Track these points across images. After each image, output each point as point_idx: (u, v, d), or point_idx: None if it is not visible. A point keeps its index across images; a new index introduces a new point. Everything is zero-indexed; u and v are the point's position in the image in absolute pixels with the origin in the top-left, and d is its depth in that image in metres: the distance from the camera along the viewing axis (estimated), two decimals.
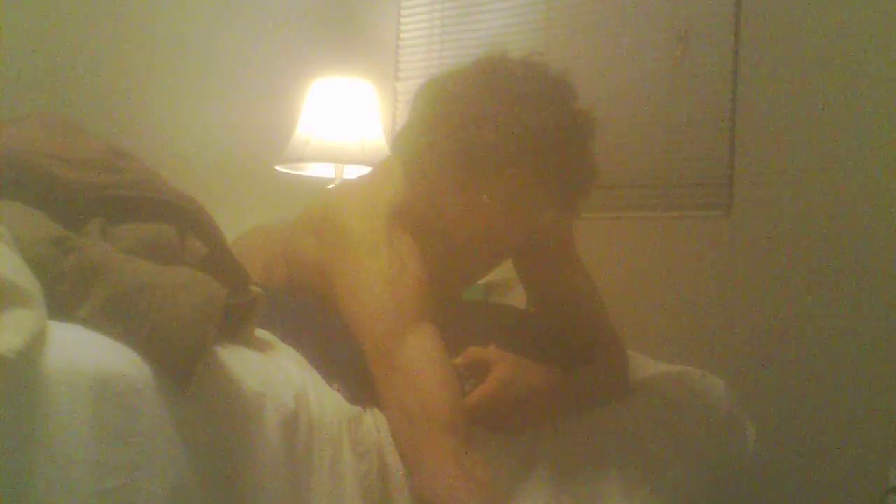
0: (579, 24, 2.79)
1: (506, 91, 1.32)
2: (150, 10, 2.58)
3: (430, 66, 3.06)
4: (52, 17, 2.34)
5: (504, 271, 1.83)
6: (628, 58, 2.69)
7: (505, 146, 1.29)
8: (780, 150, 2.44)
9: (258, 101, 2.86)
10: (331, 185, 2.65)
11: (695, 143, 2.59)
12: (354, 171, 2.65)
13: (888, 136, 2.28)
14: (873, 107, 2.30)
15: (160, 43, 2.60)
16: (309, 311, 1.39)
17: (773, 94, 2.45)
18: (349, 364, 1.28)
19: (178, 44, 2.66)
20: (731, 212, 2.51)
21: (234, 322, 1.10)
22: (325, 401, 1.17)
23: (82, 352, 0.88)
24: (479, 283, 2.04)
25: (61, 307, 0.93)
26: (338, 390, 1.23)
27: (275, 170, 2.73)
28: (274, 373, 1.11)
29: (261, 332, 1.21)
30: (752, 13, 2.51)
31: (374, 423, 1.23)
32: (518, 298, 1.85)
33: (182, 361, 0.92)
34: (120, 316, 0.93)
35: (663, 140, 2.62)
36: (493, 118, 1.29)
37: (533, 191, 1.35)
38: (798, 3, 2.43)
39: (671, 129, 2.61)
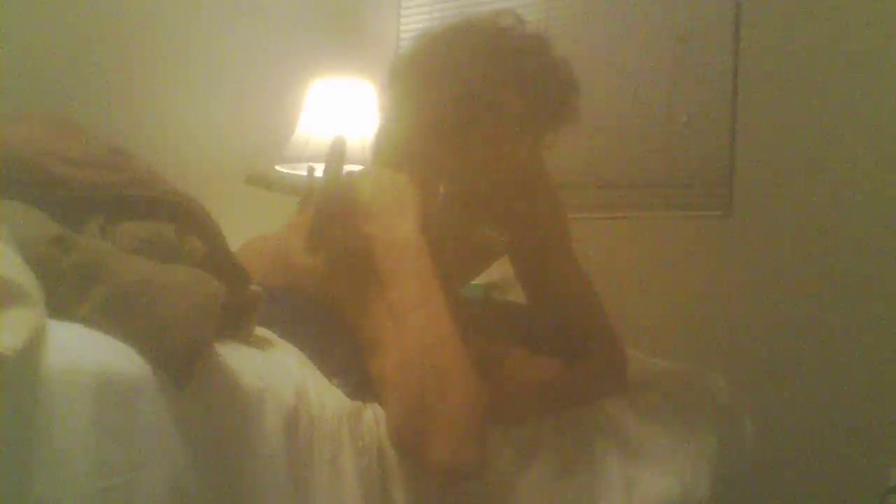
0: (579, 24, 2.79)
1: (463, 44, 1.37)
2: (149, 9, 2.59)
3: None
4: (52, 17, 2.34)
5: (504, 271, 1.83)
6: (628, 58, 2.69)
7: (488, 88, 1.33)
8: (780, 150, 2.44)
9: (258, 101, 2.87)
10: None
11: (695, 143, 2.59)
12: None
13: (888, 135, 2.28)
14: (873, 106, 2.30)
15: (160, 43, 2.61)
16: (308, 308, 1.40)
17: (773, 94, 2.45)
18: (349, 360, 1.29)
19: (178, 44, 2.66)
20: (731, 212, 2.51)
21: (234, 320, 1.10)
22: (325, 396, 1.17)
23: (82, 351, 0.88)
24: (478, 283, 2.04)
25: (61, 307, 0.93)
26: (337, 386, 1.23)
27: (275, 170, 2.73)
28: (274, 369, 1.12)
29: (260, 330, 1.21)
30: (752, 13, 2.51)
31: (374, 418, 1.23)
32: (517, 298, 1.85)
33: (181, 360, 0.92)
34: (120, 315, 0.93)
35: (663, 140, 2.62)
36: (464, 69, 1.34)
37: (531, 111, 1.38)
38: (798, 4, 2.43)
39: (671, 129, 2.61)
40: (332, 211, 1.30)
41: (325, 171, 1.31)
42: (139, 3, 2.57)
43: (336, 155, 1.29)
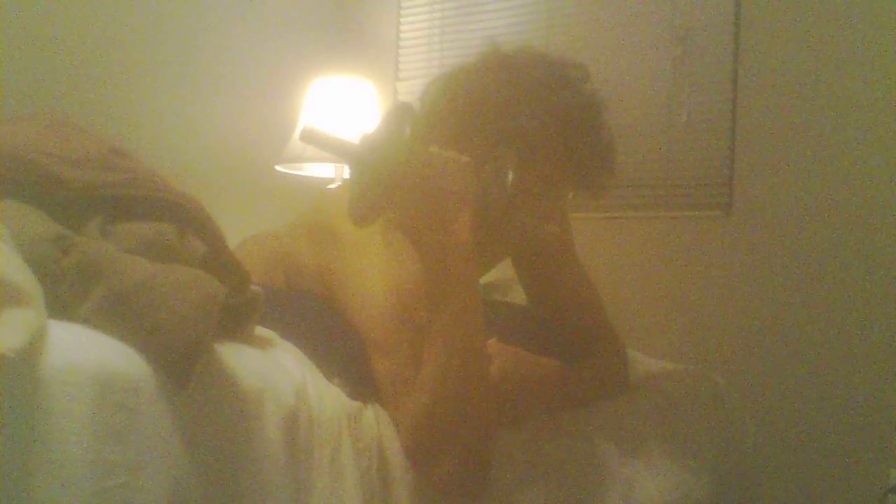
0: (579, 24, 2.79)
1: (523, 78, 1.34)
2: (149, 10, 2.59)
3: (430, 66, 3.06)
4: (52, 17, 2.34)
5: (504, 271, 1.83)
6: (628, 58, 2.69)
7: (534, 131, 1.30)
8: (780, 150, 2.44)
9: (258, 101, 2.87)
10: (328, 186, 2.65)
11: (695, 143, 2.59)
12: None
13: (888, 135, 2.28)
14: (873, 107, 2.30)
15: (160, 43, 2.61)
16: (308, 308, 1.39)
17: (773, 94, 2.45)
18: (349, 360, 1.28)
19: (178, 43, 2.66)
20: (731, 212, 2.51)
21: (234, 320, 1.10)
22: (325, 397, 1.17)
23: (82, 351, 0.88)
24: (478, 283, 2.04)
25: (61, 307, 0.93)
26: (338, 386, 1.23)
27: (275, 170, 2.73)
28: (273, 369, 1.11)
29: (260, 330, 1.20)
30: (752, 13, 2.51)
31: (374, 418, 1.23)
32: (518, 298, 1.85)
33: (181, 360, 0.91)
34: (119, 315, 0.93)
35: (663, 140, 2.62)
36: (518, 105, 1.31)
37: (562, 172, 1.37)
38: (798, 4, 2.44)
39: (671, 129, 2.61)
40: (385, 177, 1.13)
41: (380, 129, 1.13)
42: (139, 4, 2.57)
43: (399, 114, 1.14)
